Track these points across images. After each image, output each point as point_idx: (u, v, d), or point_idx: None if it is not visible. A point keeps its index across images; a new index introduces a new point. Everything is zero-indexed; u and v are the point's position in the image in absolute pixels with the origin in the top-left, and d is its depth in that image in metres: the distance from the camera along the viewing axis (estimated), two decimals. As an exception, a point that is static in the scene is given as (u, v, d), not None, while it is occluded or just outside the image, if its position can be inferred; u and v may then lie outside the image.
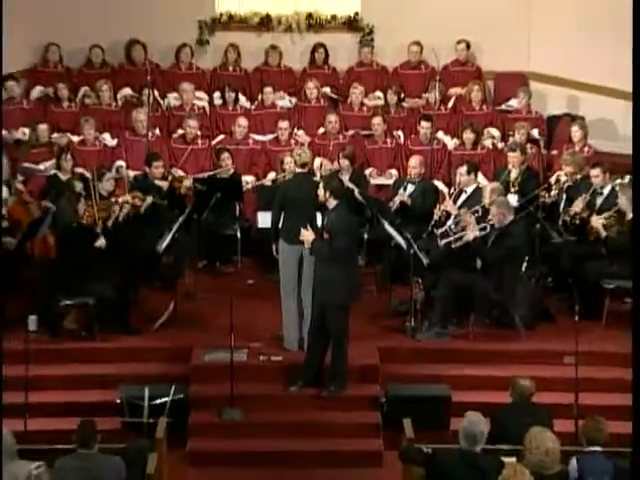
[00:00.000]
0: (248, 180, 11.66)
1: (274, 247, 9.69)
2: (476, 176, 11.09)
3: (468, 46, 12.98)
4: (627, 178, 10.89)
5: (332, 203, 9.10)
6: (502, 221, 9.95)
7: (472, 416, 7.02)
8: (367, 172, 11.79)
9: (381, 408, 8.96)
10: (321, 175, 10.76)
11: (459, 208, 10.55)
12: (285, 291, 9.53)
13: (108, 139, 12.08)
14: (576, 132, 11.79)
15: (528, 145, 11.79)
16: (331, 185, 9.20)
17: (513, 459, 6.83)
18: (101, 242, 9.72)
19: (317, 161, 11.34)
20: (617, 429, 7.49)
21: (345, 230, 9.13)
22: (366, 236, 10.74)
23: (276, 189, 10.72)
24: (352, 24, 13.32)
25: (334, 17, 13.34)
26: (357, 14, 13.28)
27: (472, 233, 9.99)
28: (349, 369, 9.17)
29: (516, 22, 12.89)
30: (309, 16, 13.32)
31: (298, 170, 10.13)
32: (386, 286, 10.49)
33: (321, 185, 9.21)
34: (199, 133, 12.16)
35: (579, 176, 10.94)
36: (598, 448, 6.94)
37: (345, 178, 10.99)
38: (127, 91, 12.72)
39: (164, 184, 10.88)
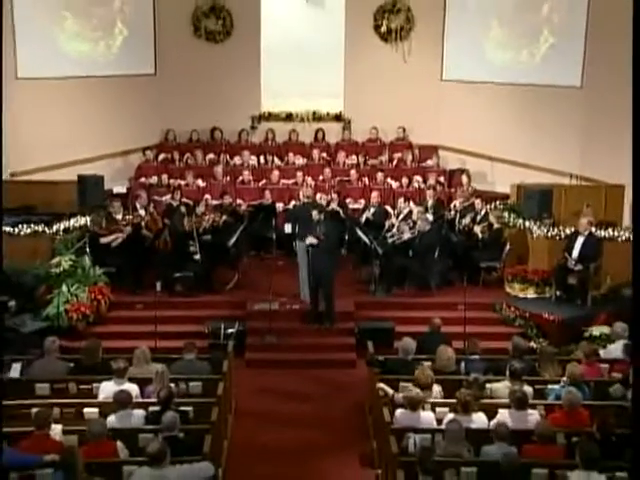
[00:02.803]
0: (279, 206, 11.60)
1: (294, 243, 9.77)
2: (409, 203, 11.07)
3: (404, 130, 12.88)
4: (494, 204, 10.97)
5: (322, 219, 9.21)
6: (424, 229, 9.97)
7: (406, 339, 7.15)
8: (347, 201, 11.73)
9: (355, 335, 8.93)
10: (319, 203, 10.85)
11: (400, 221, 10.49)
12: (301, 268, 9.50)
13: (200, 183, 11.98)
14: (464, 179, 11.71)
15: (437, 186, 11.77)
16: (319, 209, 9.44)
17: (429, 363, 6.88)
18: (198, 257, 9.62)
19: (318, 195, 11.22)
20: (486, 345, 7.51)
21: (331, 234, 9.23)
22: (346, 237, 10.65)
23: (293, 211, 10.88)
24: (338, 117, 13.21)
25: (328, 113, 13.21)
26: (341, 112, 13.20)
27: (407, 235, 10.03)
28: (337, 313, 9.15)
29: (432, 115, 12.79)
30: (314, 113, 13.23)
31: (305, 200, 10.56)
32: (358, 266, 10.41)
33: (315, 210, 9.31)
34: (251, 179, 12.09)
35: (467, 204, 10.94)
36: (476, 357, 7.04)
37: (334, 204, 11.08)
38: (211, 156, 12.61)
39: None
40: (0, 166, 7.23)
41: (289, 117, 13.25)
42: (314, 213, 9.23)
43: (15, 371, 6.72)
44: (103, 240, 9.62)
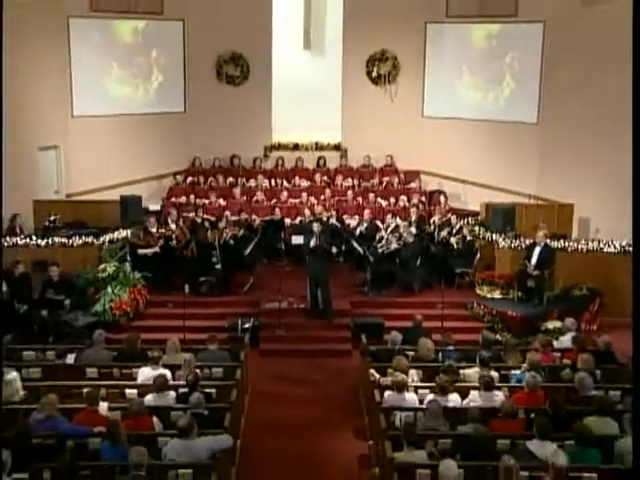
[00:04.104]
0: (287, 221, 11.59)
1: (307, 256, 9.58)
2: (396, 219, 11.08)
3: (391, 157, 12.92)
4: (466, 220, 10.88)
5: (320, 230, 9.28)
6: (408, 240, 9.96)
7: (394, 333, 7.19)
8: (344, 217, 11.70)
9: (351, 329, 8.89)
10: (319, 218, 10.82)
11: (388, 234, 10.46)
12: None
13: (221, 202, 11.98)
14: (442, 198, 11.76)
15: (420, 204, 11.77)
16: (319, 222, 9.50)
17: (412, 353, 6.88)
18: (219, 265, 9.58)
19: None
20: (458, 338, 7.50)
21: (327, 243, 9.29)
22: (343, 247, 10.60)
23: (303, 226, 10.80)
24: (337, 147, 13.26)
25: (328, 144, 13.28)
26: (339, 142, 13.24)
27: (394, 246, 10.00)
28: (335, 311, 9.09)
29: (414, 145, 12.83)
30: (316, 143, 13.30)
31: (319, 216, 10.64)
32: (353, 271, 10.32)
33: (316, 223, 9.41)
34: (264, 198, 12.09)
35: (444, 219, 10.94)
36: (451, 347, 7.05)
37: (333, 220, 11.11)
38: (230, 179, 12.62)
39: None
40: (0, 186, 7.32)
41: (296, 147, 13.32)
42: (314, 225, 9.32)
43: (70, 359, 6.82)
44: (140, 251, 9.69)
